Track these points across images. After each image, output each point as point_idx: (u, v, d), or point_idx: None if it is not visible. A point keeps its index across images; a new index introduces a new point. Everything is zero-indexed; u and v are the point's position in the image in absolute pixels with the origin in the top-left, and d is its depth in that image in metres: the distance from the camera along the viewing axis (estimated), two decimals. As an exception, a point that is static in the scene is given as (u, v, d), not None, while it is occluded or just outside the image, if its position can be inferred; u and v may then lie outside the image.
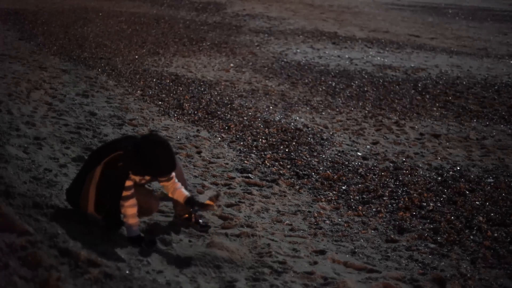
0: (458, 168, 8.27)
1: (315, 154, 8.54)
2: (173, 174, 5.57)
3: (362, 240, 5.95)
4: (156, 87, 11.56)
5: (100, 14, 21.26)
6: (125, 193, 5.19)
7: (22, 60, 12.73)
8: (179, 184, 5.61)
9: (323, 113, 10.71)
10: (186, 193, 5.58)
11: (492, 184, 7.67)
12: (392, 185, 7.51)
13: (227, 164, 7.86)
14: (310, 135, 9.36)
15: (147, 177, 5.42)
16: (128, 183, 5.22)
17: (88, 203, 5.28)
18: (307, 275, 5.05)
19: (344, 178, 7.67)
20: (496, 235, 6.18)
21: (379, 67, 14.86)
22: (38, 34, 16.37)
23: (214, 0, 27.73)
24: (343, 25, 21.91)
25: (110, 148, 5.40)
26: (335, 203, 6.91)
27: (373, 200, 7.02)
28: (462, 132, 9.97)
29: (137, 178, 5.30)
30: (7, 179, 5.73)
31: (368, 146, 9.08)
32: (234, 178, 7.38)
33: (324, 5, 28.01)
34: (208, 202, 5.56)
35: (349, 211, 6.71)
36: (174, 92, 11.31)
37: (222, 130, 9.32)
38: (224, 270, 4.96)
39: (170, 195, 5.64)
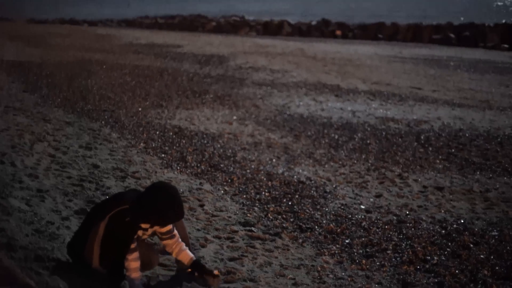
0: (462, 221, 8.24)
1: (318, 207, 8.52)
2: (176, 232, 5.54)
3: (366, 295, 5.90)
4: (159, 140, 11.59)
5: (104, 66, 21.42)
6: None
7: (26, 112, 12.79)
8: (183, 245, 5.57)
9: (326, 165, 10.71)
10: (192, 255, 5.56)
11: (496, 237, 7.63)
12: (396, 239, 7.47)
13: (230, 217, 7.84)
14: (313, 188, 9.34)
15: (149, 231, 5.40)
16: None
17: (93, 258, 5.26)
18: (311, 330, 5.00)
19: (347, 232, 7.64)
20: (501, 289, 6.13)
21: (381, 120, 14.90)
22: (43, 86, 16.48)
23: (217, 53, 27.94)
24: (345, 78, 22.03)
25: (114, 202, 5.39)
26: (338, 257, 6.87)
27: (377, 254, 6.99)
28: (466, 185, 9.95)
29: (140, 232, 5.29)
30: (9, 232, 5.72)
31: (371, 199, 9.05)
32: (237, 231, 7.35)
33: (327, 58, 28.20)
34: (216, 272, 5.54)
35: (353, 265, 6.67)
36: (177, 145, 11.34)
37: (225, 183, 9.32)
38: (226, 325, 4.92)
39: (174, 255, 5.59)
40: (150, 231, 5.40)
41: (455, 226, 8.02)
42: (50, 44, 28.61)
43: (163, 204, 5.18)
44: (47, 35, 34.00)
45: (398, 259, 6.87)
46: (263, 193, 8.94)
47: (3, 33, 33.48)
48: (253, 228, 7.49)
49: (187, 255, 5.53)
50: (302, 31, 49.42)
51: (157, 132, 12.18)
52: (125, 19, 64.19)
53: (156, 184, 5.38)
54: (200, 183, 9.19)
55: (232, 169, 10.06)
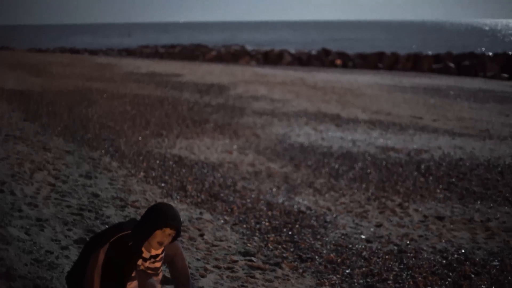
0: (463, 251, 8.21)
1: (318, 236, 8.49)
2: (160, 270, 5.46)
3: (366, 325, 5.86)
4: (159, 169, 11.58)
5: (105, 95, 21.47)
6: (129, 274, 5.15)
7: (26, 141, 12.78)
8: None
9: (326, 195, 10.70)
10: None
11: (497, 267, 7.60)
12: (397, 269, 7.44)
13: (230, 247, 7.81)
14: (314, 218, 9.32)
15: (147, 263, 5.35)
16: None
17: (93, 286, 5.22)
18: None
19: (347, 262, 7.61)
20: (503, 320, 6.10)
21: (382, 149, 14.90)
22: (43, 114, 16.50)
23: (218, 82, 28.02)
24: (345, 107, 22.07)
25: (115, 230, 5.36)
26: (339, 287, 6.84)
27: (378, 284, 6.95)
28: (466, 214, 9.93)
29: (139, 262, 5.25)
30: (8, 261, 5.70)
31: (371, 229, 9.03)
32: (237, 261, 7.32)
33: (327, 87, 28.28)
34: None
35: (353, 295, 6.63)
36: (177, 174, 11.33)
37: (225, 213, 9.29)
38: None
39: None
40: (148, 262, 5.36)
41: (456, 256, 7.99)
42: (51, 73, 28.71)
43: (155, 213, 5.13)
44: (47, 64, 34.14)
45: (399, 289, 6.85)
46: (263, 222, 8.92)
47: (4, 62, 33.60)
48: (253, 258, 7.46)
49: None
50: (302, 60, 49.70)
51: (157, 161, 12.17)
52: (125, 48, 64.65)
53: (153, 204, 5.37)
54: (200, 213, 9.17)
55: (232, 198, 10.04)
